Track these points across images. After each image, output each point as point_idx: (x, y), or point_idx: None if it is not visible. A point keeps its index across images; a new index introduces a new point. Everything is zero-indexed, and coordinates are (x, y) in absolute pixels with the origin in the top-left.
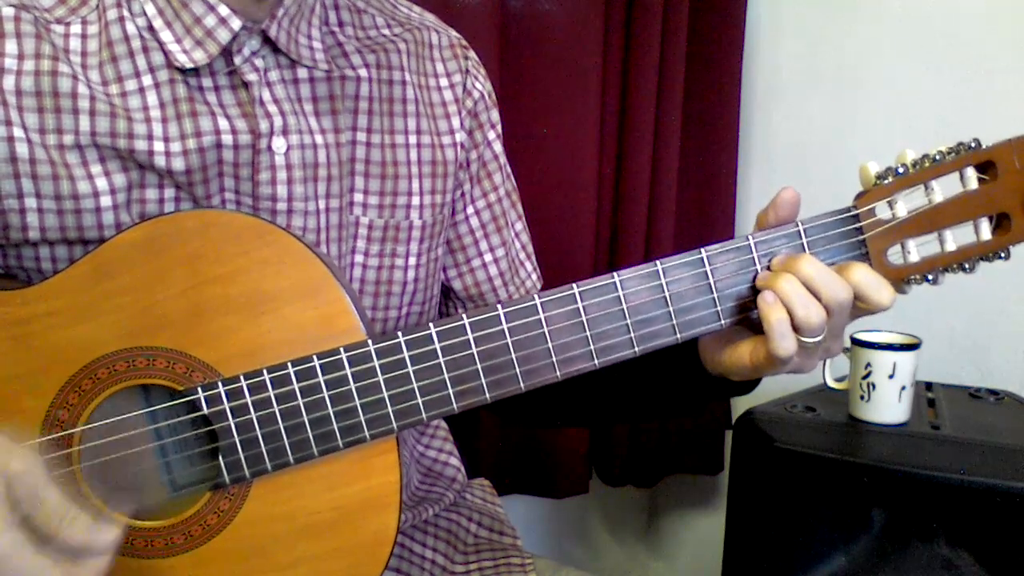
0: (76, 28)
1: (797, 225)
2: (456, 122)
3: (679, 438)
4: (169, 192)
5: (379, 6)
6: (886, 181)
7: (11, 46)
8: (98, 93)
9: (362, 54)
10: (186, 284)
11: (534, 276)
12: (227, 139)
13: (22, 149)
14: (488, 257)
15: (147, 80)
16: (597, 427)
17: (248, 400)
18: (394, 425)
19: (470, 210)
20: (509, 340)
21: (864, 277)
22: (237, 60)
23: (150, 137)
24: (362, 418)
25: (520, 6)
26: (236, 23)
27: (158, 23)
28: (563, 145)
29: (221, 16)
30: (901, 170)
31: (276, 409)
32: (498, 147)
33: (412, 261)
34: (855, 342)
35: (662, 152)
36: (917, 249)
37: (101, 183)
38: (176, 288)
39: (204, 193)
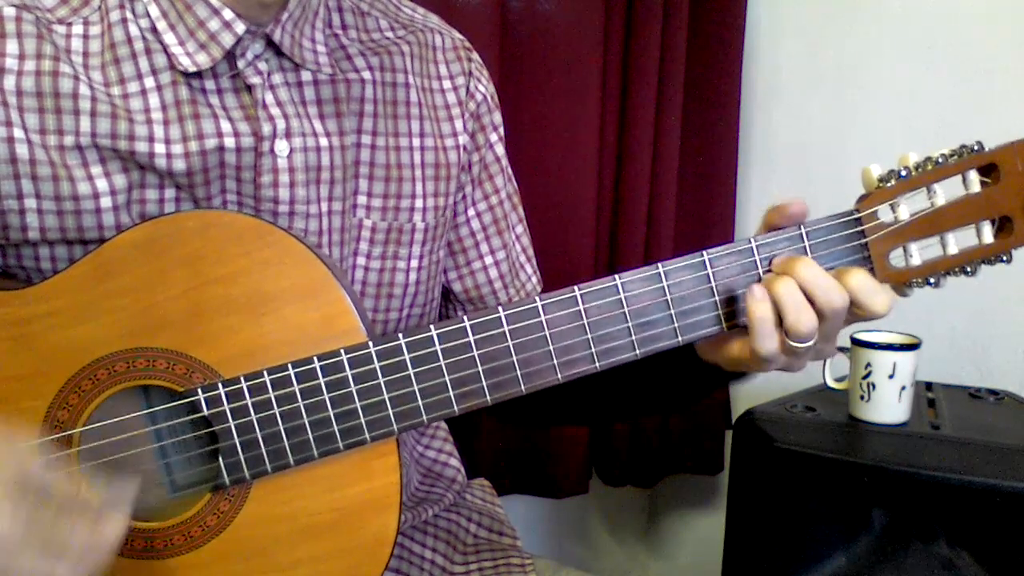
0: (78, 28)
1: (799, 228)
2: (459, 124)
3: (679, 438)
4: (169, 193)
5: (383, 8)
6: (888, 184)
7: (12, 46)
8: (99, 94)
9: (366, 57)
10: (187, 285)
11: (534, 279)
12: (229, 142)
13: (22, 150)
14: (489, 259)
15: (149, 82)
16: (593, 424)
17: (248, 401)
18: (395, 427)
19: (471, 212)
20: (510, 342)
21: (862, 283)
22: (240, 64)
23: (151, 139)
24: (362, 420)
25: (520, 6)
26: (240, 27)
27: (161, 25)
28: (563, 145)
29: (225, 20)
30: (904, 173)
31: (276, 410)
32: (500, 149)
33: (414, 263)
34: (855, 342)
35: (662, 152)
36: (919, 252)
37: (101, 184)
38: (177, 289)
39: (205, 195)
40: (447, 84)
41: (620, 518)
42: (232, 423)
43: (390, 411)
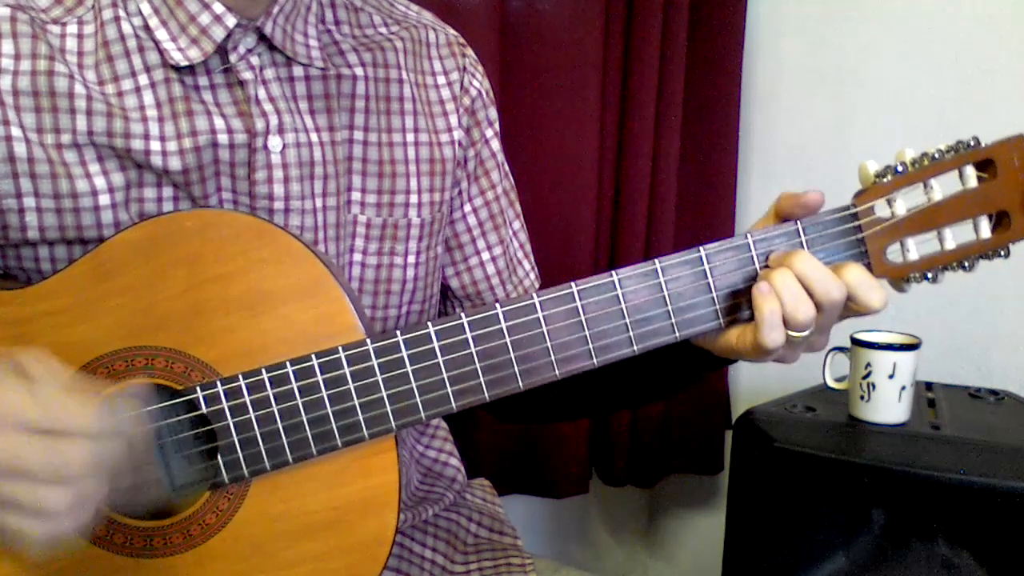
0: (72, 28)
1: (796, 224)
2: (454, 120)
3: (679, 438)
4: (167, 191)
5: (376, 4)
6: (885, 179)
7: (7, 46)
8: (95, 92)
9: (358, 52)
10: (185, 284)
11: (532, 275)
12: (223, 138)
13: (20, 148)
14: (486, 255)
15: (143, 79)
16: (587, 416)
17: (247, 399)
18: (393, 424)
19: (467, 208)
20: (508, 339)
21: (858, 278)
22: (232, 58)
23: (147, 136)
24: (360, 417)
25: (520, 6)
26: (231, 20)
27: (153, 22)
28: (563, 145)
29: (216, 14)
30: (900, 168)
31: (275, 408)
32: (496, 145)
33: (411, 259)
34: (855, 342)
35: (662, 152)
36: (917, 247)
37: (99, 182)
38: (175, 288)
39: (201, 192)
40: (441, 80)
41: (620, 518)
42: (230, 421)
43: (388, 408)
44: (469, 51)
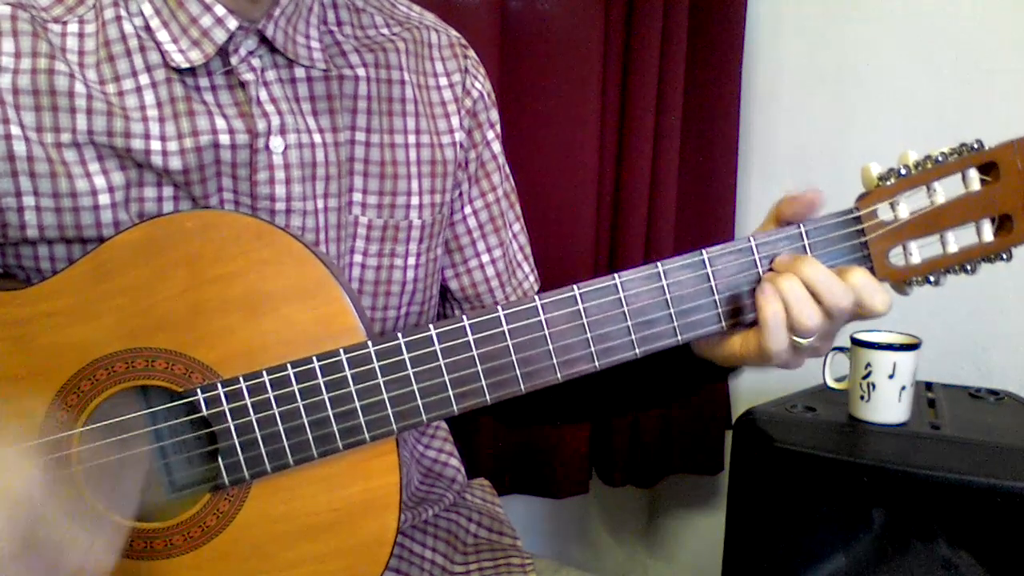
0: (73, 27)
1: (799, 227)
2: (455, 121)
3: (679, 438)
4: (167, 191)
5: (378, 5)
6: (888, 182)
7: (8, 45)
8: (95, 92)
9: (360, 53)
10: (185, 285)
11: (531, 278)
12: (224, 139)
13: (19, 147)
14: (486, 258)
15: (144, 79)
16: (588, 421)
17: (247, 402)
18: (394, 427)
19: (468, 210)
20: (510, 342)
21: (863, 282)
22: (234, 60)
23: (147, 136)
24: (362, 420)
25: (520, 6)
26: (232, 23)
27: (154, 23)
28: (563, 145)
29: (217, 16)
30: (903, 171)
31: (275, 411)
32: (497, 147)
33: (411, 261)
34: (855, 342)
35: (662, 152)
36: (919, 250)
37: (99, 181)
38: (175, 289)
39: (202, 193)
40: (443, 81)
41: (620, 518)
42: (231, 423)
43: (389, 411)
44: (471, 53)
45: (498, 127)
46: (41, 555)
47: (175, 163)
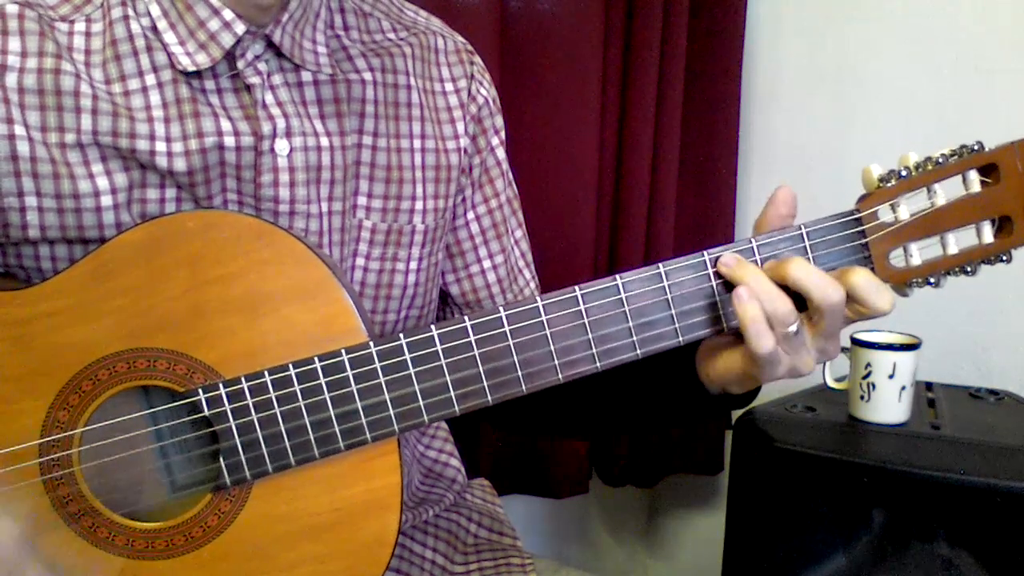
0: (80, 26)
1: (800, 228)
2: (460, 127)
3: (679, 438)
4: (170, 192)
5: (385, 10)
6: (889, 184)
7: (14, 43)
8: (100, 92)
9: (367, 58)
10: (187, 285)
11: (532, 284)
12: (229, 141)
13: (23, 147)
14: (487, 264)
15: (150, 80)
16: (596, 439)
17: (249, 402)
18: (395, 427)
19: (470, 216)
20: (511, 342)
21: (864, 281)
22: (240, 64)
23: (152, 137)
24: (363, 420)
25: (520, 6)
26: (240, 28)
27: (162, 24)
28: (563, 145)
29: (225, 20)
30: (904, 173)
31: (277, 411)
32: (501, 153)
33: (413, 265)
34: (855, 342)
35: (662, 152)
36: (919, 252)
37: (102, 182)
38: (177, 289)
39: (206, 194)
40: (449, 87)
41: (620, 518)
42: (233, 423)
43: (391, 411)
44: (477, 59)
45: (503, 133)
46: None
47: (179, 164)
